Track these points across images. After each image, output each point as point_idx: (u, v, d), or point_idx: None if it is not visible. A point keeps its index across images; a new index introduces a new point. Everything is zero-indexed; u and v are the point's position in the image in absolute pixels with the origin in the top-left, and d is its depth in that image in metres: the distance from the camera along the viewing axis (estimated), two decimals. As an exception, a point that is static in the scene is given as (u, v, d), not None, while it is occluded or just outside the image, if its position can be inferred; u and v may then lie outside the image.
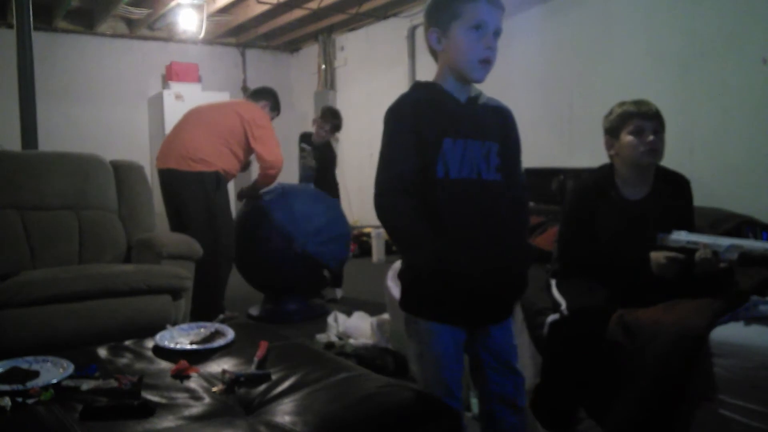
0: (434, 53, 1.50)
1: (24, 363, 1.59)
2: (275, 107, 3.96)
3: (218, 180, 3.56)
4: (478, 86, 1.52)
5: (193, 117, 3.74)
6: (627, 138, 2.03)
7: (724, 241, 1.81)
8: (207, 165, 3.52)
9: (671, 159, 2.21)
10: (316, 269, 3.82)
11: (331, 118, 4.37)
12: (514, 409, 1.54)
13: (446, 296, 1.41)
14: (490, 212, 1.45)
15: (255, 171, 3.83)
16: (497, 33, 1.43)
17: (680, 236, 1.86)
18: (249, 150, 3.77)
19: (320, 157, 4.39)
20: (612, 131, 2.09)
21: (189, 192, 3.50)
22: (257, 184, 3.83)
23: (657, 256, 1.90)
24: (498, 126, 1.51)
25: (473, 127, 1.46)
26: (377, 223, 6.12)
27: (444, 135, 1.41)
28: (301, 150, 4.44)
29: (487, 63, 1.42)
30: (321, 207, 3.88)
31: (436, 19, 1.45)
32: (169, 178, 3.56)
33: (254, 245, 3.77)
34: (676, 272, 1.88)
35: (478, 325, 1.51)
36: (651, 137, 1.99)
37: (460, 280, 1.38)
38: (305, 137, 4.46)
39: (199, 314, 3.00)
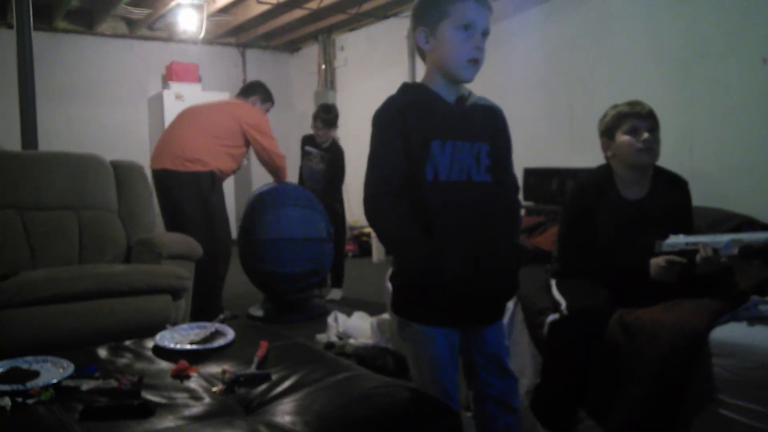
0: (422, 53, 1.50)
1: (24, 363, 1.59)
2: (267, 99, 3.96)
3: (213, 179, 3.56)
4: (471, 85, 1.51)
5: (187, 117, 3.75)
6: (623, 138, 2.04)
7: (723, 238, 1.82)
8: (202, 164, 3.53)
9: (671, 159, 2.22)
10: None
11: (322, 114, 4.31)
12: (508, 410, 1.54)
13: (437, 299, 1.41)
14: (481, 214, 1.44)
15: (253, 171, 3.85)
16: (485, 33, 1.42)
17: (678, 239, 1.86)
18: (244, 151, 3.79)
19: (329, 159, 4.36)
20: (607, 133, 2.10)
21: (185, 192, 3.50)
22: (278, 179, 3.90)
23: (656, 260, 1.91)
24: (488, 126, 1.50)
25: (462, 128, 1.45)
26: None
27: (432, 137, 1.41)
28: (306, 153, 4.41)
29: (475, 63, 1.42)
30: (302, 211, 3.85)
31: (424, 19, 1.44)
32: (164, 178, 3.56)
33: (252, 245, 3.78)
34: (676, 275, 1.88)
35: (470, 326, 1.51)
36: (646, 135, 2.00)
37: (450, 282, 1.37)
38: (308, 140, 4.43)
39: (198, 314, 3.01)
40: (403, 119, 1.41)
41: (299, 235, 3.75)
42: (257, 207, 3.84)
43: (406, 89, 1.50)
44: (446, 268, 1.36)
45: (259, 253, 3.75)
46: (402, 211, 1.40)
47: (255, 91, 3.94)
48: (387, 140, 1.42)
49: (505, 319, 2.00)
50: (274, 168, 3.82)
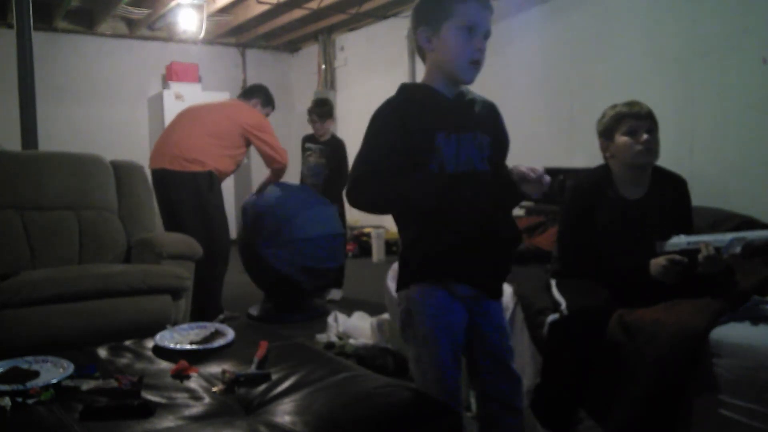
0: (422, 53, 1.50)
1: (24, 363, 1.59)
2: (267, 102, 3.97)
3: (211, 180, 3.57)
4: (472, 85, 1.51)
5: (186, 117, 3.75)
6: (621, 139, 2.04)
7: (725, 236, 1.81)
8: (200, 165, 3.53)
9: (671, 159, 2.21)
10: (314, 272, 3.83)
11: (315, 108, 4.30)
12: (512, 411, 1.54)
13: (445, 253, 1.42)
14: (483, 200, 1.45)
15: (254, 171, 3.84)
16: (487, 35, 1.43)
17: (679, 240, 1.86)
18: (243, 152, 3.79)
19: (329, 152, 4.33)
20: (606, 133, 2.10)
21: (183, 192, 3.51)
22: (270, 180, 3.89)
23: (657, 260, 1.91)
24: (488, 118, 1.52)
25: (464, 120, 1.46)
26: (377, 223, 6.10)
27: (437, 130, 1.41)
28: (306, 150, 4.41)
29: (477, 64, 1.43)
30: (314, 208, 3.85)
31: (427, 18, 1.45)
32: (162, 178, 3.56)
33: (252, 247, 3.78)
34: (677, 275, 1.88)
35: (477, 286, 1.50)
36: (645, 136, 2.00)
37: (458, 228, 1.41)
38: (308, 138, 4.43)
39: (198, 314, 3.01)
40: (402, 117, 1.42)
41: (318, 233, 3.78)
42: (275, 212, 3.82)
43: (405, 89, 1.50)
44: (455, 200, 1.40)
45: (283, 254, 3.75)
46: (388, 180, 1.39)
47: (256, 94, 3.94)
48: (379, 135, 1.42)
49: (506, 318, 2.00)
50: (280, 167, 3.80)
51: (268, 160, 3.78)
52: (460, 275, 1.46)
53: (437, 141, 1.41)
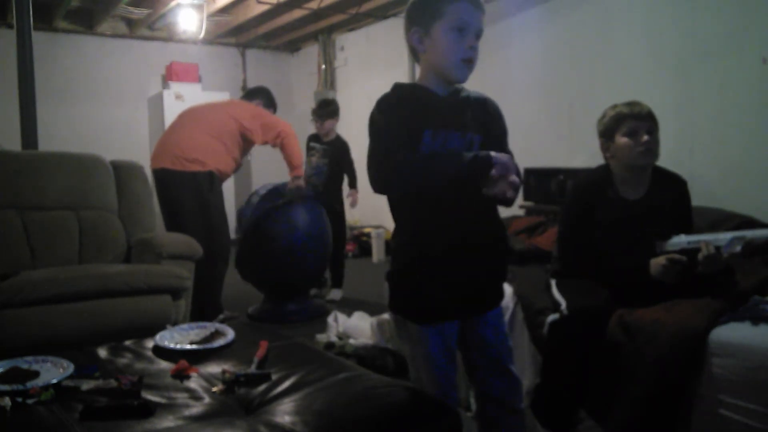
0: (415, 54, 1.50)
1: (24, 363, 1.59)
2: (269, 104, 3.98)
3: (212, 180, 3.57)
4: (472, 86, 1.51)
5: (187, 117, 3.76)
6: (622, 140, 2.04)
7: (725, 235, 1.81)
8: (201, 165, 3.53)
9: (671, 159, 2.21)
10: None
11: (316, 109, 4.33)
12: (510, 411, 1.54)
13: (430, 294, 1.43)
14: (469, 201, 1.43)
15: (253, 170, 3.83)
16: (479, 34, 1.43)
17: (679, 239, 1.86)
18: (245, 149, 3.79)
19: (331, 152, 4.35)
20: (606, 134, 2.10)
21: (183, 192, 3.51)
22: (295, 159, 3.79)
23: (657, 260, 1.91)
24: (480, 116, 1.50)
25: (453, 119, 1.45)
26: (377, 222, 6.07)
27: (424, 127, 1.41)
28: (310, 149, 4.42)
29: (469, 63, 1.42)
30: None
31: (418, 19, 1.46)
32: (163, 177, 3.56)
33: (261, 246, 3.80)
34: (677, 274, 1.88)
35: (471, 314, 1.50)
36: (645, 137, 2.00)
37: (441, 268, 1.41)
38: (313, 138, 4.44)
39: (198, 314, 3.01)
40: (397, 112, 1.42)
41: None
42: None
43: (398, 88, 1.50)
44: (434, 258, 1.40)
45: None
46: (413, 154, 1.38)
47: (258, 96, 3.96)
48: (389, 120, 1.41)
49: (506, 318, 2.00)
50: (287, 134, 3.73)
51: (272, 134, 3.71)
52: (453, 314, 1.47)
53: (424, 138, 1.40)
